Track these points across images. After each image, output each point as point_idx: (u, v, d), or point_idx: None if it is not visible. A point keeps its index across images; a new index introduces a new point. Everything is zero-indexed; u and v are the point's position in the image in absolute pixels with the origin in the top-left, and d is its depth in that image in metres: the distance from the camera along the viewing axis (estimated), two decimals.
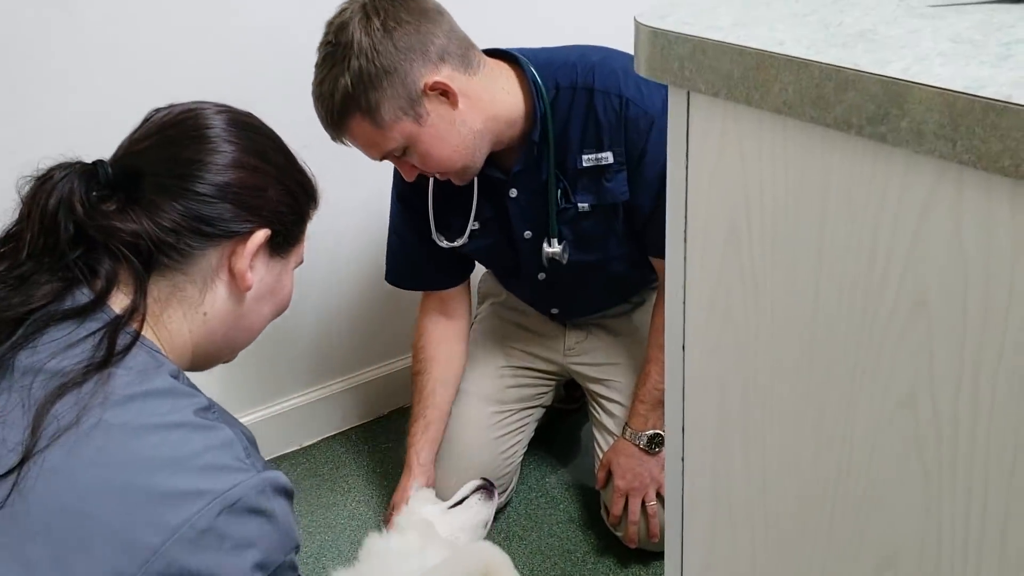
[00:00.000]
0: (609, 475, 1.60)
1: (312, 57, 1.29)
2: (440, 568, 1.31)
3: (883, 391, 0.61)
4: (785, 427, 0.70)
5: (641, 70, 0.68)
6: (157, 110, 0.93)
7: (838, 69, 0.54)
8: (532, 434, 1.78)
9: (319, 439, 1.99)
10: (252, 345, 1.00)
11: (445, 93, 1.28)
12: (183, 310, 0.88)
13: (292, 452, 1.96)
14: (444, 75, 1.27)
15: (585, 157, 1.40)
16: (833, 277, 0.62)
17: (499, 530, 1.70)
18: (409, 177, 1.39)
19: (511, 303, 1.79)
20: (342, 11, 1.27)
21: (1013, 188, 0.50)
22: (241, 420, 0.88)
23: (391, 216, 1.62)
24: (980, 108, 0.48)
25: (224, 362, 0.98)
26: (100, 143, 0.91)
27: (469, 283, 1.71)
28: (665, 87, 0.68)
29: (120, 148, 0.91)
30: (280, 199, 0.93)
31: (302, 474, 1.89)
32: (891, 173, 0.56)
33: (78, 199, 0.83)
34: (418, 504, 1.50)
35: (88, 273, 0.84)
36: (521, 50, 1.41)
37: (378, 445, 1.97)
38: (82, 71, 1.47)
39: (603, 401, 1.68)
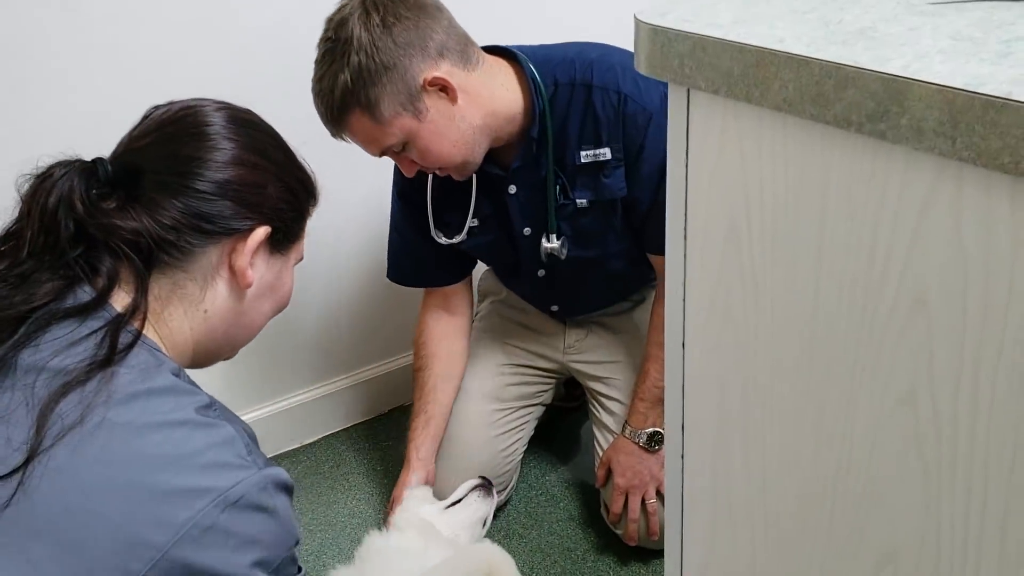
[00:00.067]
0: (609, 473, 1.59)
1: (311, 54, 1.29)
2: (442, 567, 1.31)
3: (883, 389, 0.61)
4: (785, 425, 0.70)
5: (641, 67, 0.68)
6: (156, 107, 0.93)
7: (838, 66, 0.54)
8: (532, 432, 1.78)
9: (320, 436, 1.99)
10: (254, 342, 1.00)
11: (444, 89, 1.28)
12: (184, 307, 0.88)
13: (294, 449, 1.96)
14: (443, 71, 1.27)
15: (583, 153, 1.40)
16: (833, 275, 0.62)
17: (499, 528, 1.70)
18: (408, 173, 1.39)
19: (511, 301, 1.78)
20: (341, 7, 1.27)
21: (1013, 185, 0.50)
22: (243, 417, 0.88)
23: (392, 213, 1.62)
24: (980, 105, 0.48)
25: (225, 359, 0.98)
26: (100, 142, 0.91)
27: (471, 280, 1.71)
28: (663, 83, 0.68)
29: (120, 145, 0.91)
30: (280, 196, 0.93)
31: (303, 471, 1.89)
32: (891, 170, 0.56)
33: (78, 197, 0.83)
34: (414, 503, 1.49)
35: (89, 271, 0.84)
36: (519, 47, 1.41)
37: (379, 443, 1.97)
38: (82, 70, 1.47)
39: (603, 399, 1.68)
